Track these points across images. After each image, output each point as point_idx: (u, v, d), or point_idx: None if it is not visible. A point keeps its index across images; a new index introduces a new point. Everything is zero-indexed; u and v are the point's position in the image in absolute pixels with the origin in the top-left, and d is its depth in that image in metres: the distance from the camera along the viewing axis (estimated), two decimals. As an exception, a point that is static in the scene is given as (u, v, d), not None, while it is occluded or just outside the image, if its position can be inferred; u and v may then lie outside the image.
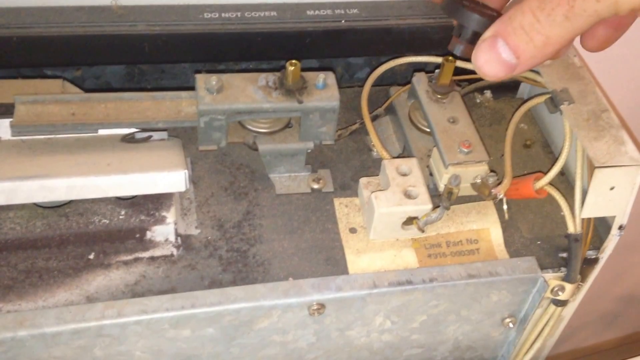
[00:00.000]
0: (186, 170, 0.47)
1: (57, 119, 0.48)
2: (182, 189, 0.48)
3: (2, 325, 0.42)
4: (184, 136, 0.55)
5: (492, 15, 0.47)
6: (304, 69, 0.52)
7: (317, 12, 0.61)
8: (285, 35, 0.60)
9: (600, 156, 0.49)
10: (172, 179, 0.47)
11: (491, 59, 0.41)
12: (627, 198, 0.50)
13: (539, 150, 0.61)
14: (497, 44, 0.41)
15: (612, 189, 0.49)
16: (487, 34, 0.41)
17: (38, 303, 0.45)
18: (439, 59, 0.58)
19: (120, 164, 0.47)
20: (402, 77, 0.68)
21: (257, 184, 0.55)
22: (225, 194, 0.54)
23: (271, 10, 0.61)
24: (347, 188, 0.56)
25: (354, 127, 0.59)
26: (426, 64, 0.63)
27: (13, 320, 0.42)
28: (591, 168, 0.49)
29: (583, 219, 0.51)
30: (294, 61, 0.50)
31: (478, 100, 0.64)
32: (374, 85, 0.61)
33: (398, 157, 0.58)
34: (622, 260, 1.17)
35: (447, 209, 0.50)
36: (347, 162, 0.58)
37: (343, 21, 0.61)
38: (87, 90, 0.61)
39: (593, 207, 0.50)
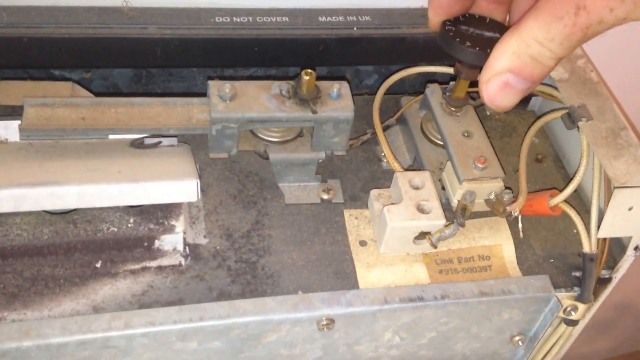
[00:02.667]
0: (198, 180, 0.46)
1: (67, 123, 0.47)
2: (194, 199, 0.47)
3: (6, 335, 0.41)
4: (193, 142, 0.54)
5: (490, 39, 0.47)
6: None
7: (329, 18, 0.61)
8: (296, 42, 0.59)
9: (620, 176, 0.48)
10: (184, 188, 0.46)
11: (507, 94, 0.41)
12: (646, 219, 0.50)
13: (551, 164, 0.60)
14: (510, 80, 0.41)
15: (630, 209, 0.49)
16: (490, 71, 0.41)
17: (44, 312, 0.44)
18: (451, 69, 0.58)
19: (131, 171, 0.46)
20: (410, 86, 0.68)
21: (266, 193, 0.54)
22: (234, 203, 0.53)
23: (283, 16, 0.60)
24: (357, 199, 0.55)
25: (365, 137, 0.58)
26: (435, 73, 0.62)
27: (18, 330, 0.41)
28: (609, 187, 0.48)
29: (598, 239, 0.50)
30: (309, 70, 0.49)
31: (488, 113, 0.63)
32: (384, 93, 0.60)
33: (408, 168, 0.57)
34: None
35: (462, 225, 0.49)
36: (357, 173, 0.57)
37: (355, 28, 0.60)
38: (94, 92, 0.60)
39: (610, 227, 0.50)
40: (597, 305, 0.55)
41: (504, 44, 0.40)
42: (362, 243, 0.52)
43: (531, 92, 0.58)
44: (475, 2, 0.51)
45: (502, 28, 0.49)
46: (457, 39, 0.48)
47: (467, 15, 0.50)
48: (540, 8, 0.39)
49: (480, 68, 0.44)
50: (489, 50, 0.45)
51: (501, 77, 0.41)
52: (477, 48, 0.48)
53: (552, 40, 0.38)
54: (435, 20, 0.50)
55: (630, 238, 0.51)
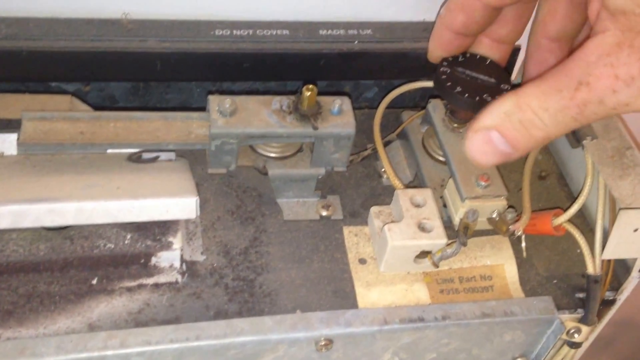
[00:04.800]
0: (197, 197, 0.46)
1: (65, 138, 0.46)
2: (193, 216, 0.46)
3: (1, 353, 0.40)
4: (190, 156, 0.54)
5: (483, 85, 0.49)
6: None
7: (329, 31, 0.60)
8: (297, 56, 0.58)
9: (626, 197, 0.47)
10: (183, 205, 0.46)
11: (487, 151, 0.41)
12: (651, 241, 0.49)
13: (554, 182, 0.59)
14: (493, 138, 0.41)
15: (635, 230, 0.48)
16: (480, 124, 0.41)
17: (39, 330, 0.43)
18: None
19: (129, 187, 0.45)
20: (410, 99, 0.67)
21: (265, 209, 0.53)
22: (231, 219, 0.52)
23: (283, 29, 0.59)
24: (357, 216, 0.54)
25: (365, 153, 0.58)
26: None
27: (13, 348, 0.40)
28: (614, 208, 0.48)
29: (603, 260, 0.50)
30: (310, 86, 0.49)
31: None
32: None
33: (409, 184, 0.57)
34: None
35: (464, 244, 0.48)
36: (357, 189, 0.56)
37: (356, 42, 0.60)
38: (91, 103, 0.60)
39: (615, 248, 0.49)
40: (600, 327, 0.54)
41: (500, 102, 0.40)
42: (362, 261, 0.51)
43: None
44: (477, 40, 0.51)
45: (500, 73, 0.50)
46: (449, 83, 0.48)
47: (467, 55, 0.50)
48: (544, 77, 0.39)
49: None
50: (477, 98, 0.46)
51: (487, 132, 0.41)
52: (467, 94, 0.48)
53: (546, 111, 0.38)
54: (435, 54, 0.51)
55: (635, 260, 0.50)
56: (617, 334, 1.35)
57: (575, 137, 0.52)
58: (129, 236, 0.47)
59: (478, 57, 0.50)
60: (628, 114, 0.38)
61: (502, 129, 0.40)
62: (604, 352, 1.39)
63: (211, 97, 0.49)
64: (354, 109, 0.63)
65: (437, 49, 0.51)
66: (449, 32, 0.50)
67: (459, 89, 0.49)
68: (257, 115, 0.49)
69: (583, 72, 0.37)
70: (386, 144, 0.59)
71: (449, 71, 0.49)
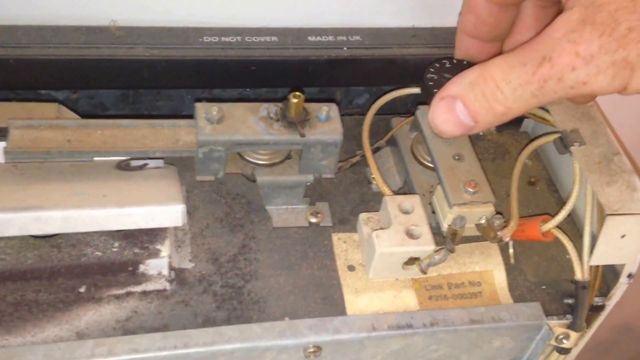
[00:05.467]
0: (184, 205, 0.46)
1: (52, 146, 0.46)
2: (179, 223, 0.46)
3: (-12, 362, 0.40)
4: (180, 163, 0.54)
5: None
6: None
7: (318, 38, 0.60)
8: (286, 63, 0.58)
9: (613, 203, 0.47)
10: (170, 213, 0.46)
11: (449, 120, 0.41)
12: (638, 246, 0.49)
13: (544, 187, 0.59)
14: (456, 107, 0.41)
15: (623, 236, 0.48)
16: (446, 92, 0.41)
17: (26, 338, 0.43)
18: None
19: (116, 195, 0.45)
20: (402, 105, 0.67)
21: (254, 216, 0.53)
22: (220, 226, 0.52)
23: (272, 35, 0.59)
24: (346, 222, 0.54)
25: (354, 159, 0.58)
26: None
27: (1, 356, 0.40)
28: (601, 214, 0.48)
29: (591, 266, 0.50)
30: (297, 93, 0.49)
31: (481, 134, 0.63)
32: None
33: (399, 191, 0.57)
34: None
35: (452, 251, 0.48)
36: (346, 195, 0.56)
37: (345, 48, 0.60)
38: (81, 111, 0.60)
39: (603, 254, 0.49)
40: (590, 333, 0.54)
41: (467, 72, 0.41)
42: (351, 268, 0.51)
43: (524, 115, 0.58)
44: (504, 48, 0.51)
45: None
46: (435, 89, 0.48)
47: (454, 61, 0.51)
48: (512, 51, 0.39)
49: None
50: None
51: (452, 101, 0.41)
52: None
53: (509, 83, 0.38)
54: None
55: (624, 265, 0.50)
56: (616, 339, 1.35)
57: (563, 144, 0.52)
58: (116, 244, 0.46)
59: (465, 62, 0.50)
60: (592, 96, 0.38)
61: (465, 99, 0.40)
62: (603, 357, 1.39)
63: (198, 105, 0.49)
64: (346, 115, 0.64)
65: (460, 56, 0.51)
66: (465, 37, 0.50)
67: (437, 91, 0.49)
68: (245, 123, 0.49)
69: (548, 47, 0.36)
70: (376, 150, 0.59)
71: (435, 77, 0.49)
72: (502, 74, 0.38)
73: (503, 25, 0.48)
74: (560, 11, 0.47)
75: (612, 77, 0.35)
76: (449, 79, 0.49)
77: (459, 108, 0.41)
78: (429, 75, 0.49)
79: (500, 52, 0.50)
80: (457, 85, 0.41)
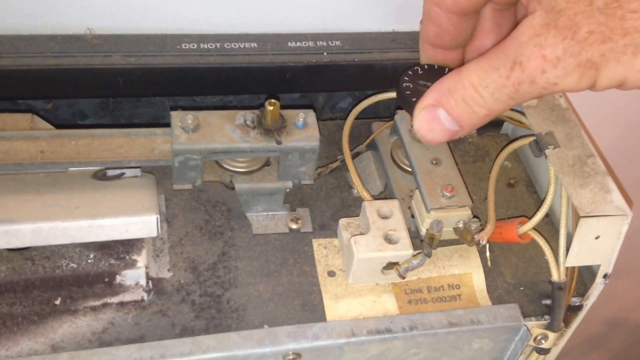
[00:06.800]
0: (157, 215, 0.45)
1: (25, 157, 0.46)
2: (154, 234, 0.46)
3: (-40, 377, 0.40)
4: (159, 170, 0.53)
5: None
6: (284, 101, 0.50)
7: (298, 43, 0.60)
8: (266, 69, 0.58)
9: (586, 205, 0.48)
10: (143, 224, 0.45)
11: (434, 128, 0.42)
12: (613, 247, 0.49)
13: (523, 189, 0.59)
14: (439, 114, 0.42)
15: (597, 238, 0.48)
16: (427, 101, 0.42)
17: (0, 352, 0.43)
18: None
19: (89, 206, 0.45)
20: (385, 109, 0.67)
21: (234, 223, 0.53)
22: (200, 234, 0.52)
23: (251, 42, 0.59)
24: (327, 228, 0.54)
25: (334, 165, 0.57)
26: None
27: (-27, 372, 0.40)
28: (576, 216, 0.48)
29: (567, 267, 0.50)
30: (273, 100, 0.49)
31: (462, 136, 0.63)
32: (356, 118, 0.59)
33: (380, 195, 0.57)
34: (608, 286, 1.16)
35: (429, 255, 0.48)
36: (327, 200, 0.56)
37: (325, 53, 0.60)
38: (60, 120, 0.59)
39: (578, 256, 0.49)
40: (569, 333, 0.54)
41: (443, 80, 0.42)
42: (331, 273, 0.51)
43: (500, 117, 0.58)
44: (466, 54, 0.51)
45: None
46: (413, 98, 0.48)
47: (426, 67, 0.51)
48: (483, 56, 0.40)
49: None
50: None
51: (433, 109, 0.42)
52: None
53: (486, 88, 0.39)
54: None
55: (599, 266, 0.50)
56: (607, 332, 1.35)
57: (538, 147, 0.52)
58: (92, 255, 0.46)
59: (436, 67, 0.50)
60: (565, 93, 0.39)
61: (447, 106, 0.41)
62: (595, 351, 1.40)
63: (173, 113, 0.49)
64: (329, 119, 0.64)
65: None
66: (428, 46, 0.50)
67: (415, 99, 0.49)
68: (221, 131, 0.49)
69: (517, 51, 0.38)
70: (356, 155, 0.59)
71: (411, 85, 0.49)
72: (478, 79, 0.40)
73: (464, 33, 0.49)
74: (516, 13, 0.48)
75: (580, 77, 0.37)
76: (424, 85, 0.49)
77: (442, 115, 0.42)
78: (405, 84, 0.49)
79: (462, 58, 0.51)
80: (436, 93, 0.42)
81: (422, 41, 0.51)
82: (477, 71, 0.39)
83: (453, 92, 0.41)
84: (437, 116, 0.42)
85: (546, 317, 0.51)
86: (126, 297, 0.47)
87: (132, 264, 0.46)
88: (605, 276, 0.50)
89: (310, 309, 0.49)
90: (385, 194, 0.57)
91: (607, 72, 0.36)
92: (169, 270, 0.49)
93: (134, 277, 0.47)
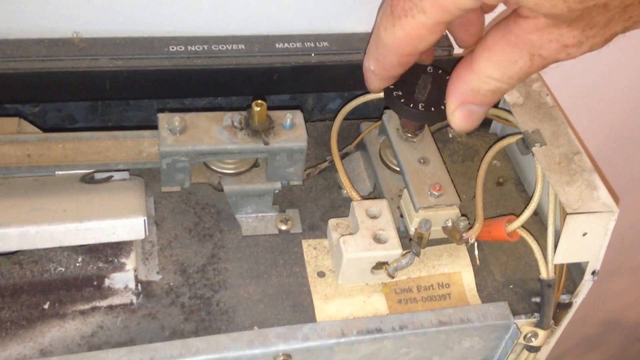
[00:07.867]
0: (145, 218, 0.45)
1: (12, 161, 0.46)
2: (141, 236, 0.46)
3: (-52, 383, 0.40)
4: (148, 173, 0.53)
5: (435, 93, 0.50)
6: (272, 102, 0.50)
7: (286, 45, 0.60)
8: (254, 70, 0.58)
9: (573, 202, 0.48)
10: (131, 226, 0.45)
11: (473, 121, 0.46)
12: (600, 244, 0.49)
13: (512, 188, 0.60)
14: (473, 109, 0.45)
15: (584, 234, 0.48)
16: (455, 103, 0.45)
17: (-12, 357, 0.43)
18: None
19: (76, 210, 0.45)
20: (374, 109, 0.67)
21: (223, 225, 0.53)
22: (189, 236, 0.52)
23: (239, 43, 0.59)
24: (316, 228, 0.54)
25: (323, 165, 0.58)
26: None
27: (-40, 378, 0.40)
28: (563, 213, 0.48)
29: (556, 265, 0.50)
30: (259, 101, 0.49)
31: (450, 135, 0.63)
32: (345, 118, 0.59)
33: (369, 195, 0.57)
34: (604, 286, 1.17)
35: (418, 255, 0.48)
36: (316, 201, 0.56)
37: (313, 54, 0.60)
38: (49, 124, 0.59)
39: (565, 253, 0.49)
40: (560, 330, 0.54)
41: (461, 81, 0.44)
42: (321, 274, 0.51)
43: (488, 116, 0.58)
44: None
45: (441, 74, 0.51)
46: (411, 105, 0.50)
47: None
48: (491, 50, 0.42)
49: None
50: (433, 109, 0.49)
51: (464, 108, 0.45)
52: (411, 105, 0.51)
53: (510, 78, 0.42)
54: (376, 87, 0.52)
55: (587, 263, 0.51)
56: (606, 332, 1.36)
57: (525, 145, 0.52)
58: (80, 259, 0.46)
59: (419, 65, 0.50)
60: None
61: (477, 101, 0.44)
62: (591, 351, 1.40)
63: (160, 115, 0.49)
64: (318, 120, 0.64)
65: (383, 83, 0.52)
66: (384, 80, 0.51)
67: (403, 100, 0.50)
68: (208, 132, 0.49)
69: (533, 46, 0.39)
70: (345, 155, 0.59)
71: (398, 85, 0.49)
72: (499, 74, 0.42)
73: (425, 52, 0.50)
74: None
75: None
76: (411, 83, 0.49)
77: (475, 109, 0.45)
78: (395, 94, 0.50)
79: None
80: (461, 95, 0.44)
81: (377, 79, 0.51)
82: (494, 67, 0.41)
83: (479, 89, 0.43)
84: (471, 111, 0.45)
85: (536, 314, 0.51)
86: (115, 300, 0.47)
87: (121, 267, 0.46)
88: (593, 273, 0.51)
89: (300, 310, 0.49)
90: (375, 194, 0.57)
91: None
92: (158, 272, 0.49)
93: (123, 280, 0.47)
